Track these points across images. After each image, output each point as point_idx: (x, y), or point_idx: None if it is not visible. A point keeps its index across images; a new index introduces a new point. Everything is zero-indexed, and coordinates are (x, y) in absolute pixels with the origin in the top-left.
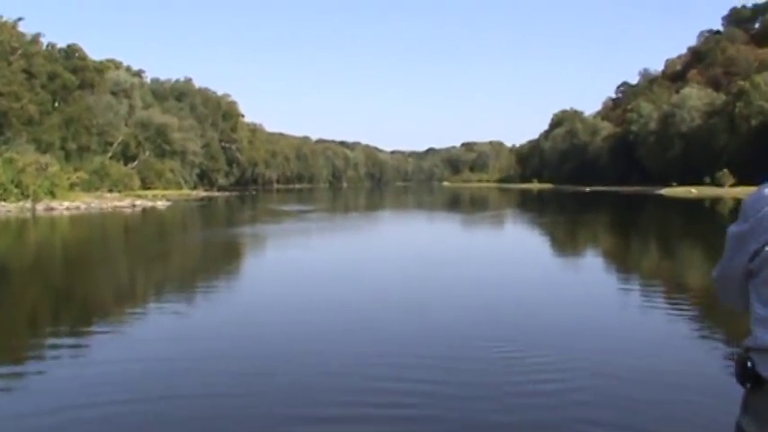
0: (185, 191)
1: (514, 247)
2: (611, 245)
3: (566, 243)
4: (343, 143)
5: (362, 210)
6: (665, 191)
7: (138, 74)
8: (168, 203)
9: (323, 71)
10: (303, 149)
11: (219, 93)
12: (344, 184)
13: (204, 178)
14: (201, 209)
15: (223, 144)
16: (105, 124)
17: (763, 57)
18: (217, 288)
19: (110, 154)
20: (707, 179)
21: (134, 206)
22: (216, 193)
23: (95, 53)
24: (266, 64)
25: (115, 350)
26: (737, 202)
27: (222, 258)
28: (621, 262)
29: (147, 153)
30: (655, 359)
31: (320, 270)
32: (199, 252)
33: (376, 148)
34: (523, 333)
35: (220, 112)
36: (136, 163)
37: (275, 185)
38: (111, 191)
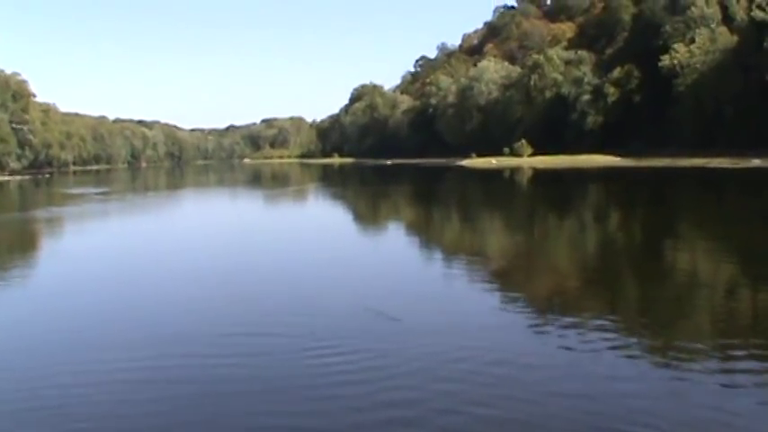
0: None
1: (317, 223)
2: (416, 216)
3: (370, 216)
4: (141, 122)
5: (162, 189)
6: (465, 162)
7: None
8: None
9: (118, 48)
10: (100, 130)
11: (8, 71)
12: (144, 164)
13: None
14: None
15: (13, 125)
16: None
17: (555, 31)
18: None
19: None
20: (506, 150)
21: None
22: (7, 178)
23: None
24: (57, 41)
25: None
26: (535, 171)
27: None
28: (427, 233)
29: None
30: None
31: (113, 255)
32: None
33: (175, 127)
34: (319, 317)
35: (9, 92)
36: None
37: (71, 168)
38: None
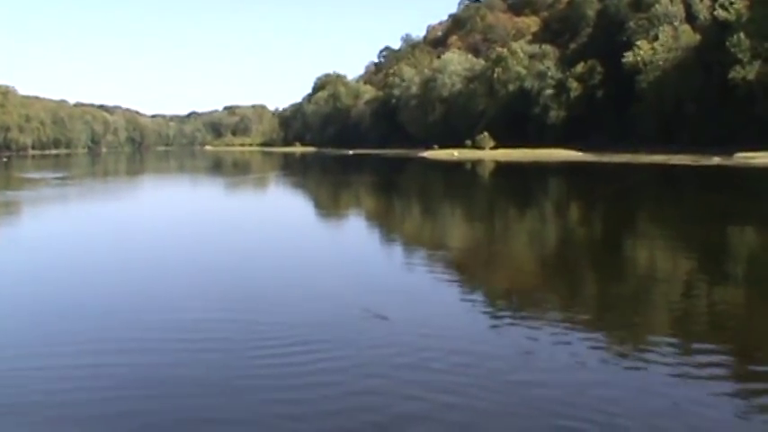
0: None
1: (277, 213)
2: (377, 208)
3: (331, 206)
4: (102, 107)
5: (122, 175)
6: (427, 153)
7: None
8: None
9: (79, 32)
10: (60, 113)
11: None
12: (104, 149)
13: None
14: None
15: None
16: None
17: (519, 25)
18: None
19: None
20: (468, 142)
21: None
22: None
23: None
24: (17, 23)
25: None
26: (497, 164)
27: None
28: (388, 225)
29: None
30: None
31: (68, 241)
32: None
33: (137, 112)
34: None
35: None
36: None
37: (30, 152)
38: None
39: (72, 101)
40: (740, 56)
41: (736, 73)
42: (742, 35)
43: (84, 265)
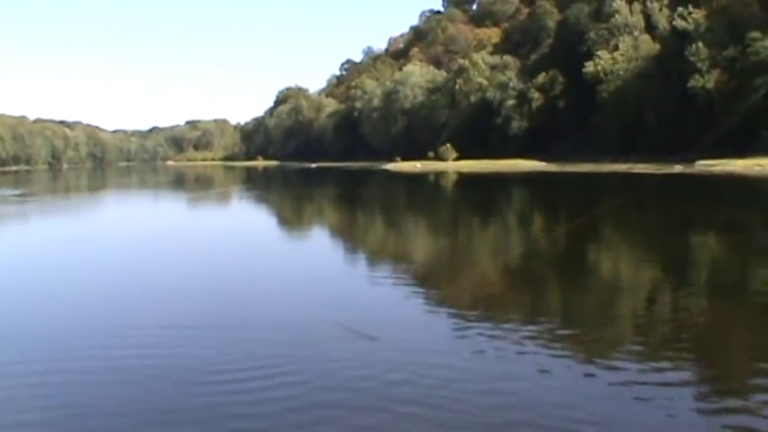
0: None
1: (240, 227)
2: (340, 221)
3: (294, 220)
4: (62, 122)
5: (83, 191)
6: (390, 166)
7: None
8: None
9: (38, 47)
10: (19, 129)
11: None
12: (65, 166)
13: None
14: None
15: None
16: None
17: (480, 36)
18: None
19: None
20: (431, 154)
21: None
22: None
23: None
24: None
25: None
26: (460, 175)
27: None
28: (351, 238)
29: None
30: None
31: (26, 260)
32: None
33: (97, 128)
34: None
35: None
36: None
37: None
38: None
39: (32, 117)
40: (699, 65)
41: (695, 82)
42: (701, 44)
43: (41, 284)
